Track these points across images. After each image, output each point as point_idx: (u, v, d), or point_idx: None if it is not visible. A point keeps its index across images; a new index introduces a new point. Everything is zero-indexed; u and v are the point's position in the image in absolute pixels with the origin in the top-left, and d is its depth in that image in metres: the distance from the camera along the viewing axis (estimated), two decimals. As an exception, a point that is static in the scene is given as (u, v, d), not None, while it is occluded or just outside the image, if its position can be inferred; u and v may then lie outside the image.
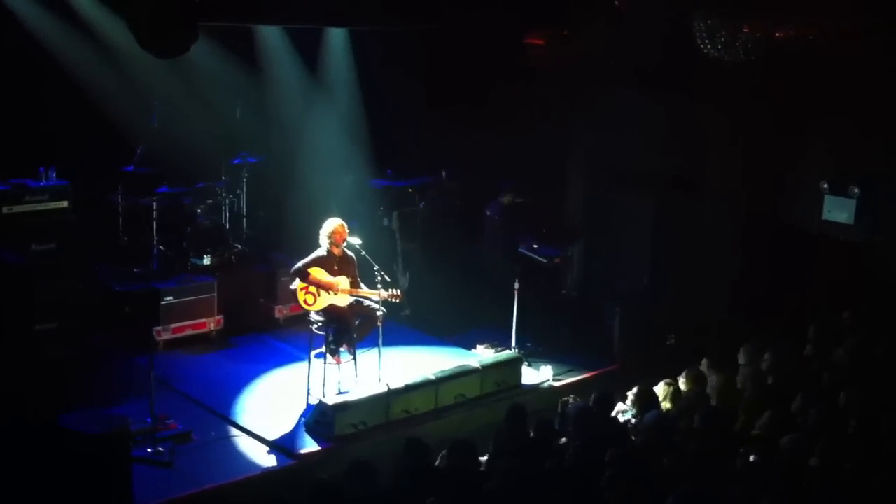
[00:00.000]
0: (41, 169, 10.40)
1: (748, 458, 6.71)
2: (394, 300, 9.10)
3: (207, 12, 7.97)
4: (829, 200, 10.39)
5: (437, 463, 6.99)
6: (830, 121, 10.41)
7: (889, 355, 8.89)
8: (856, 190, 10.12)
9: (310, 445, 8.43)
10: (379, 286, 9.03)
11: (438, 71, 12.11)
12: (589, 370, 10.42)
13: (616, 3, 10.33)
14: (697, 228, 11.40)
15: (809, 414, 7.52)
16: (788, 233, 10.88)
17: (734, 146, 11.11)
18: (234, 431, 8.68)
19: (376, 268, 9.08)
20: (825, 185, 10.36)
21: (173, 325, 10.24)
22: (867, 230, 10.26)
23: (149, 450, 8.02)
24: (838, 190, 10.26)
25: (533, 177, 11.96)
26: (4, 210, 10.11)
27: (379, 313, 9.07)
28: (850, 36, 9.16)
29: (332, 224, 9.13)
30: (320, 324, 9.11)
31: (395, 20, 10.69)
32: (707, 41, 9.76)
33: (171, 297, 10.22)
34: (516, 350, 10.23)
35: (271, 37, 12.15)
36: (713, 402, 7.98)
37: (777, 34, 9.93)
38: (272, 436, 8.55)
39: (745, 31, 9.43)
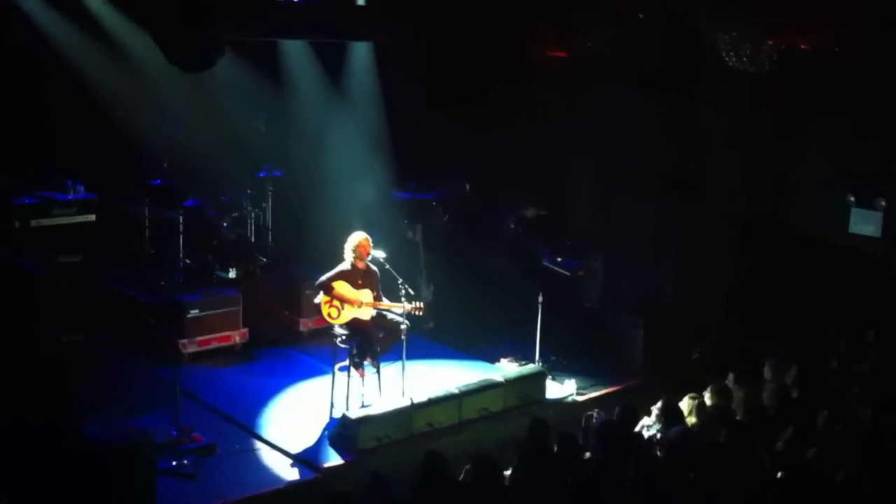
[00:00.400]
0: (69, 182, 10.51)
1: (775, 473, 6.66)
2: (417, 313, 9.11)
3: (232, 28, 8.04)
4: (855, 213, 10.30)
5: (461, 477, 6.97)
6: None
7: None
8: (883, 203, 10.03)
9: (333, 459, 8.44)
10: (402, 299, 9.05)
11: (461, 85, 12.12)
12: (613, 384, 10.35)
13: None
14: (723, 240, 11.32)
15: (834, 429, 7.45)
16: (808, 245, 10.79)
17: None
18: (257, 444, 8.70)
19: (400, 281, 9.09)
20: (852, 199, 10.28)
21: (199, 338, 10.27)
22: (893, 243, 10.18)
23: (173, 462, 8.05)
24: (865, 202, 10.18)
25: (553, 189, 11.94)
26: (33, 223, 10.25)
27: (402, 326, 9.08)
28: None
29: (356, 238, 9.16)
30: (344, 337, 9.13)
31: (415, 29, 10.78)
32: (732, 54, 9.74)
33: (197, 310, 10.25)
34: (540, 364, 10.20)
35: (295, 50, 12.24)
36: (739, 417, 7.92)
37: (802, 46, 9.89)
38: (296, 449, 8.57)
39: (769, 43, 9.40)
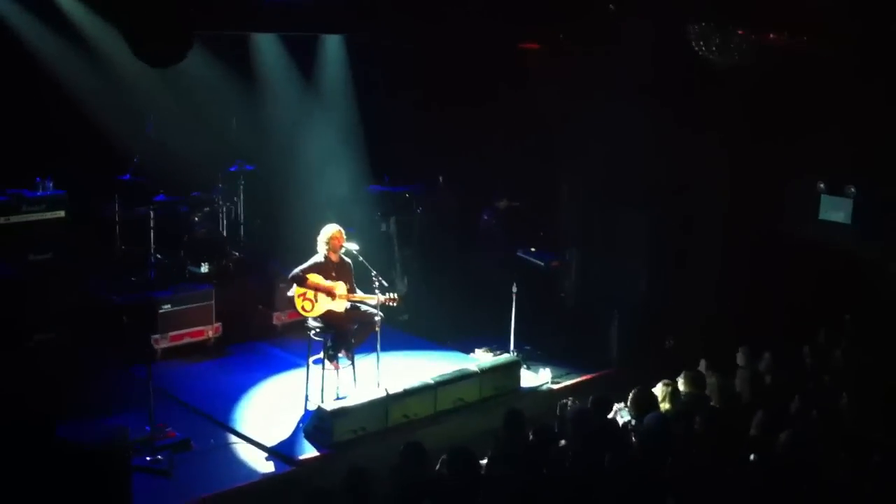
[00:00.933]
0: (38, 179, 10.41)
1: (748, 457, 6.71)
2: (391, 304, 9.12)
3: (201, 21, 7.97)
4: (825, 200, 10.41)
5: (437, 468, 6.98)
6: (821, 129, 10.43)
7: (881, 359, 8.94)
8: (852, 189, 10.14)
9: (309, 452, 8.41)
10: (376, 291, 9.04)
11: (434, 78, 12.12)
12: (587, 373, 10.42)
13: (609, 13, 10.35)
14: (691, 234, 11.43)
15: (808, 415, 7.53)
16: (782, 239, 10.90)
17: (725, 154, 11.12)
18: (232, 439, 8.66)
19: (374, 273, 9.09)
20: (822, 185, 10.37)
21: (171, 334, 10.22)
22: (864, 231, 10.29)
23: (148, 458, 8.00)
24: (835, 190, 10.29)
25: (528, 182, 11.98)
26: (1, 220, 10.12)
27: (377, 318, 9.08)
28: (837, 42, 9.21)
29: (330, 230, 9.14)
30: (318, 330, 9.11)
31: (391, 28, 10.75)
32: (702, 44, 9.79)
33: (169, 306, 10.20)
34: (514, 353, 10.24)
35: (266, 45, 12.18)
36: (713, 403, 7.98)
37: (770, 36, 9.96)
38: (271, 443, 8.54)
39: (738, 34, 9.46)
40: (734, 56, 9.76)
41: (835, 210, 10.39)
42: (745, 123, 10.82)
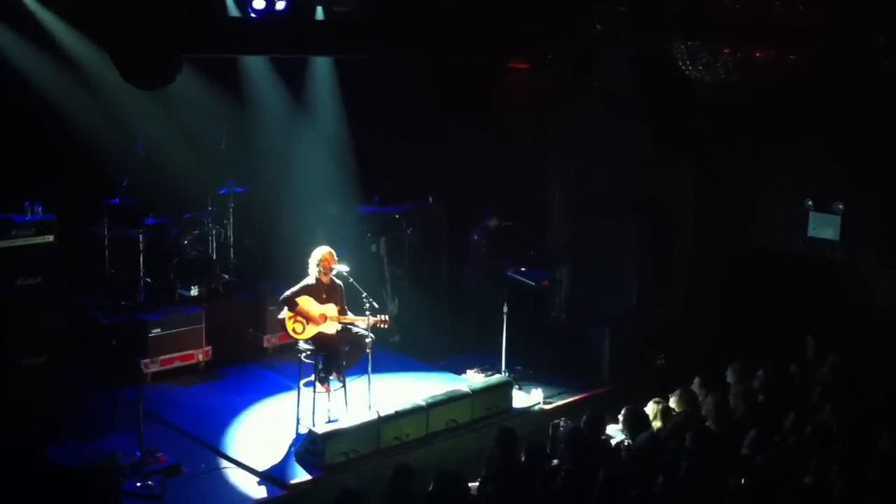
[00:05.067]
0: (26, 203, 10.36)
1: (739, 478, 6.70)
2: (382, 325, 9.09)
3: (190, 43, 7.97)
4: (814, 217, 10.45)
5: (430, 489, 6.95)
6: (805, 145, 10.49)
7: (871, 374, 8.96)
8: (840, 206, 10.18)
9: (300, 475, 8.36)
10: (367, 312, 9.02)
11: (421, 97, 12.15)
12: (579, 392, 10.40)
13: (591, 32, 10.40)
14: (681, 250, 11.47)
15: (801, 432, 7.52)
16: (771, 255, 10.93)
17: (709, 170, 11.17)
18: (224, 463, 8.62)
19: (364, 294, 9.07)
20: (810, 203, 10.41)
21: (161, 357, 10.19)
22: (853, 247, 10.33)
23: (138, 484, 7.94)
24: (823, 207, 10.33)
25: (517, 201, 12.01)
26: (-10, 245, 10.05)
27: (368, 340, 9.06)
28: (822, 57, 9.27)
29: (320, 252, 9.13)
30: (309, 352, 9.08)
31: (379, 50, 10.79)
32: (688, 62, 9.82)
33: (159, 329, 10.18)
34: (506, 374, 10.22)
35: (255, 65, 12.19)
36: (708, 422, 7.97)
37: (757, 54, 10.01)
38: (262, 466, 8.49)
39: (725, 52, 9.50)
40: (721, 74, 9.79)
41: (823, 227, 10.41)
42: (733, 140, 10.86)
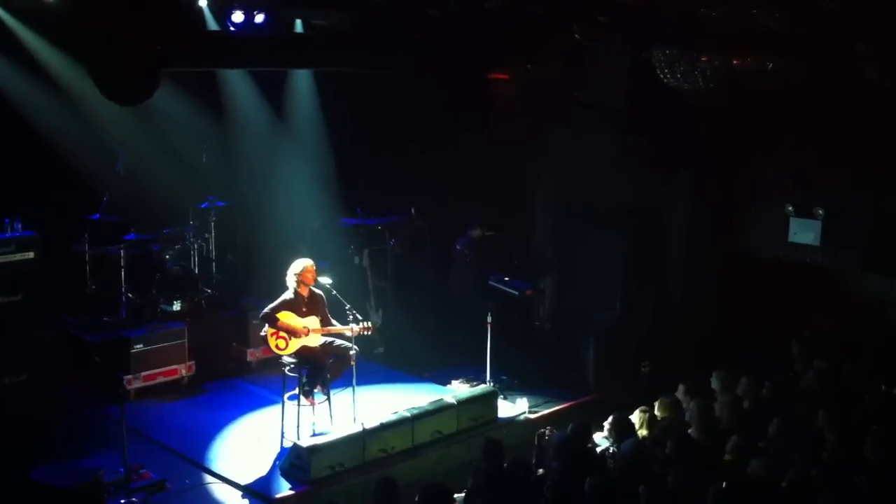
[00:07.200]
0: (6, 220, 10.29)
1: (721, 483, 6.71)
2: (365, 333, 9.06)
3: (169, 58, 7.96)
4: (794, 223, 10.50)
5: (415, 501, 6.92)
6: (790, 150, 10.55)
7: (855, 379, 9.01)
8: (821, 211, 10.23)
9: (286, 489, 8.33)
10: (350, 322, 9.00)
11: (404, 109, 12.15)
12: (565, 401, 10.41)
13: (576, 40, 10.43)
14: (665, 258, 11.48)
15: (786, 438, 7.55)
16: (753, 261, 10.98)
17: (697, 176, 11.21)
18: (208, 478, 8.57)
19: (348, 306, 9.05)
20: (790, 208, 10.46)
21: (144, 373, 10.14)
22: (834, 251, 10.38)
23: (122, 501, 7.89)
24: (803, 212, 10.38)
25: (501, 211, 12.02)
26: (-30, 263, 9.98)
27: (352, 352, 9.03)
28: (802, 63, 9.33)
29: (300, 264, 9.11)
30: (293, 365, 9.05)
31: (359, 62, 10.81)
32: (667, 71, 9.87)
33: (141, 345, 10.13)
34: (491, 384, 10.21)
35: (235, 79, 12.18)
36: (693, 429, 7.98)
37: (735, 62, 10.07)
38: (247, 481, 8.45)
39: (703, 60, 9.55)
40: (699, 82, 9.84)
41: (804, 232, 10.45)
42: (719, 147, 10.89)
